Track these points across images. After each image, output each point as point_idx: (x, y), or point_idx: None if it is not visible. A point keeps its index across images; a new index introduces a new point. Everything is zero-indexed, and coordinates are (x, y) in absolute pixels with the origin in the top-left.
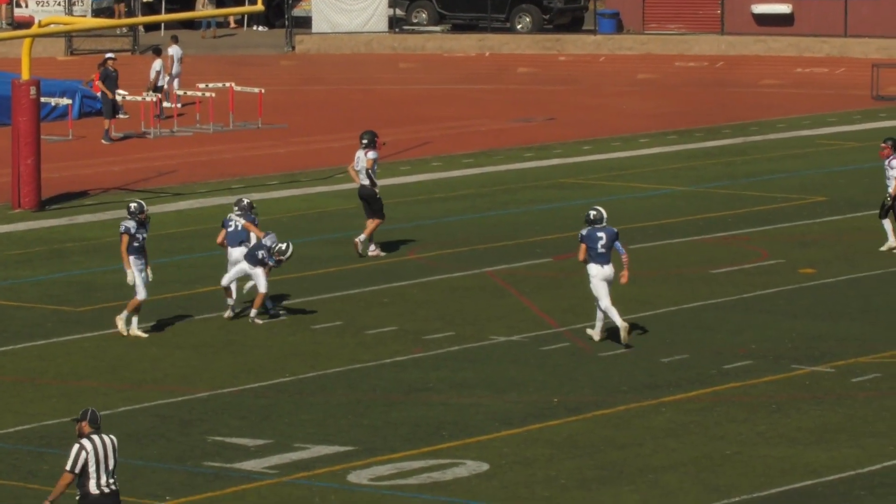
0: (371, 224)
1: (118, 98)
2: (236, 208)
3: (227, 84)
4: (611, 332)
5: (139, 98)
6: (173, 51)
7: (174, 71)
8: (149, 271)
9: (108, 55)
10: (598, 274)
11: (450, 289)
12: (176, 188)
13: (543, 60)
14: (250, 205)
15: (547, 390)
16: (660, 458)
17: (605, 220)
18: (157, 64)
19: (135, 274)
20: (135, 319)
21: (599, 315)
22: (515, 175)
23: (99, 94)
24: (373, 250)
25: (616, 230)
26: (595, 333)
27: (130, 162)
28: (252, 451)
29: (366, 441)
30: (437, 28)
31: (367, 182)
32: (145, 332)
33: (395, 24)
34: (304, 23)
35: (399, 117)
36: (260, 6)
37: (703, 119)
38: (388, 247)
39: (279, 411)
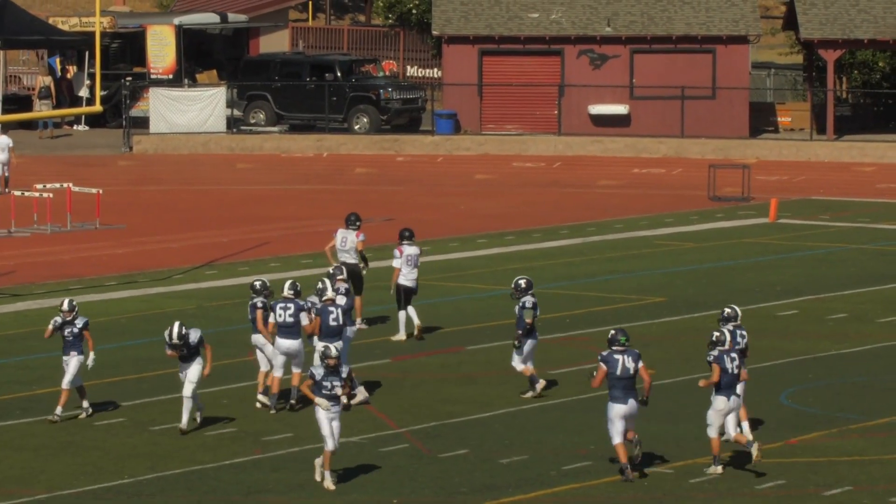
0: (358, 301)
1: None
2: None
3: (65, 184)
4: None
5: None
6: None
7: (1, 159)
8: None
9: None
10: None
11: (287, 390)
12: (13, 289)
13: (381, 160)
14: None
15: (387, 491)
16: None
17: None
18: None
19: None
20: (327, 474)
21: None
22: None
23: None
24: (360, 323)
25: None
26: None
27: None
28: None
29: None
30: (275, 128)
31: (354, 260)
32: None
33: (232, 124)
34: (142, 123)
35: (237, 217)
36: (98, 107)
37: (540, 219)
38: (233, 350)
39: None
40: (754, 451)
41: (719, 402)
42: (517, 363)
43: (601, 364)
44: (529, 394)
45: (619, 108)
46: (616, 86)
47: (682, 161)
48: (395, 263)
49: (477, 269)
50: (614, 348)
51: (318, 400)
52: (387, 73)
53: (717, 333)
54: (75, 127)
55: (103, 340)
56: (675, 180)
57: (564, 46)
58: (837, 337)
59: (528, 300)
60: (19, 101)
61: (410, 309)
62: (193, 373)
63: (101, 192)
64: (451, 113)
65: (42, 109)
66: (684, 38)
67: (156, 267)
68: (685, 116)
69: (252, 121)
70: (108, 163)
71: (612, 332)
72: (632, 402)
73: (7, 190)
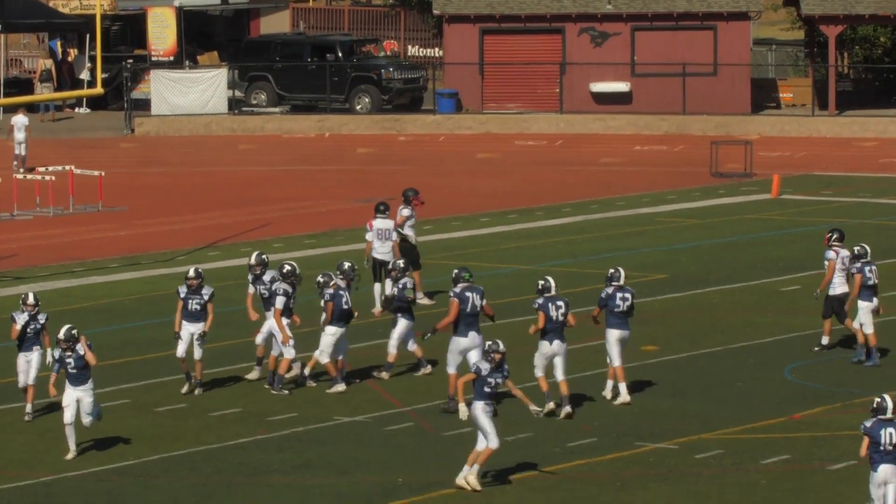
0: (416, 276)
1: None
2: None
3: (67, 167)
4: None
5: None
6: (15, 120)
7: (18, 138)
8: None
9: None
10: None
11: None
12: (16, 272)
13: (383, 140)
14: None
15: (391, 470)
16: None
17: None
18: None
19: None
20: (476, 468)
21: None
22: (356, 255)
23: None
24: (421, 298)
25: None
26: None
27: None
28: None
29: None
30: (277, 109)
31: (408, 234)
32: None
33: (234, 105)
34: (144, 105)
35: (239, 199)
36: (99, 90)
37: (543, 198)
38: (235, 331)
39: (123, 495)
40: (563, 412)
41: (543, 345)
42: (411, 345)
43: (454, 300)
44: (384, 374)
45: (621, 86)
46: (617, 63)
47: (684, 138)
48: (368, 237)
49: (479, 247)
50: (462, 285)
51: (476, 404)
52: (388, 53)
53: (542, 282)
54: (77, 110)
55: (106, 322)
56: (677, 157)
57: (565, 24)
58: None
59: (409, 282)
60: (20, 85)
61: (386, 283)
62: (86, 404)
63: (103, 174)
64: (453, 92)
65: (43, 92)
66: (685, 15)
67: (158, 249)
68: (687, 93)
69: (253, 102)
70: (109, 145)
71: (456, 270)
72: (473, 335)
73: (22, 169)
